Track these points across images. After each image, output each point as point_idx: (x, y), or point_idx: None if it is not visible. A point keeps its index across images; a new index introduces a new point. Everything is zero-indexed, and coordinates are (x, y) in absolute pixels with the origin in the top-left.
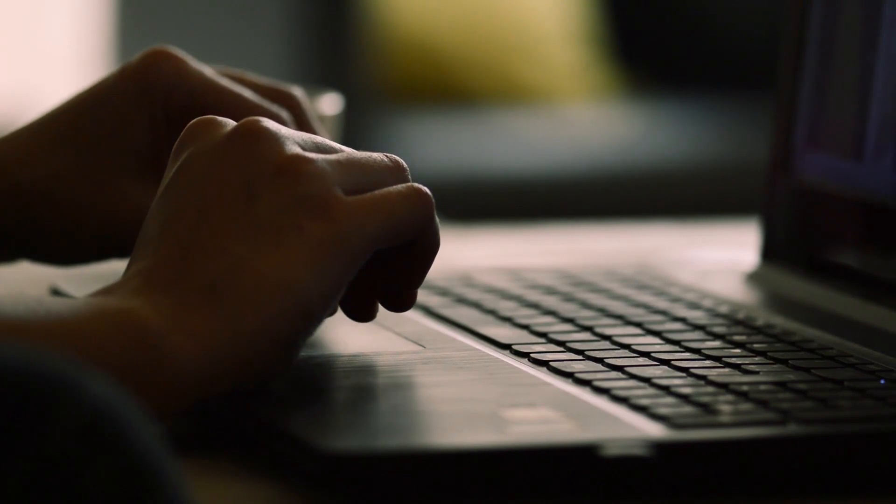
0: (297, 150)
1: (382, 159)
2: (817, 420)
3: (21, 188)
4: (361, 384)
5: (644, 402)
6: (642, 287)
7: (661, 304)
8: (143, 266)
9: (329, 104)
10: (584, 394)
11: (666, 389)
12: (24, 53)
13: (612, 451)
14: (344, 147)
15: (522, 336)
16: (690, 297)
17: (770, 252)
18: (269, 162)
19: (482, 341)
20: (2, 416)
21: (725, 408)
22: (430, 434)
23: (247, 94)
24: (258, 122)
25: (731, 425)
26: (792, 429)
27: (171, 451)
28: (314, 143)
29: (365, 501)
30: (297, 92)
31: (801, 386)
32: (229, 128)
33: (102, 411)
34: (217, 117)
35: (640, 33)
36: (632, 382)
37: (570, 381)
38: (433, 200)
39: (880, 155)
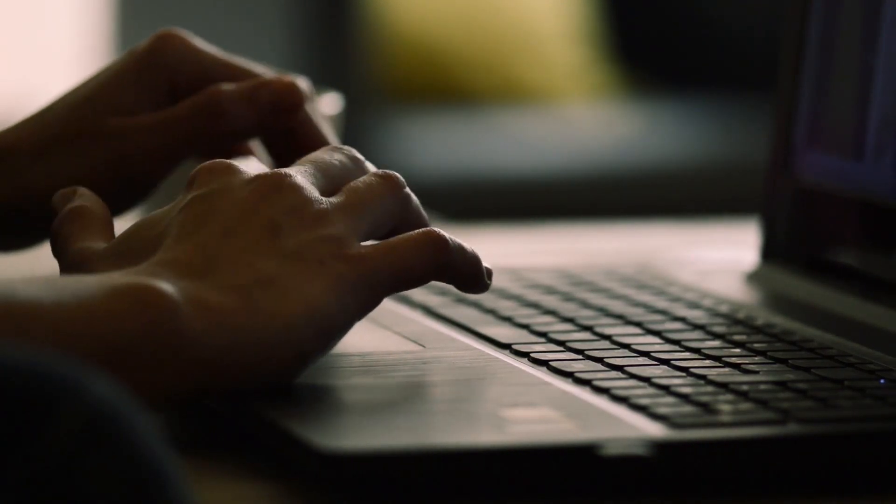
0: (319, 205)
1: (382, 187)
2: (817, 420)
3: (17, 160)
4: (361, 384)
5: (644, 401)
6: (642, 287)
7: (661, 303)
8: (163, 258)
9: (329, 104)
10: (584, 393)
11: (666, 389)
12: (24, 53)
13: (612, 450)
14: (344, 151)
15: (522, 336)
16: (690, 296)
17: (770, 252)
18: (295, 214)
19: (482, 341)
20: (3, 416)
21: (725, 407)
22: (430, 434)
23: (257, 67)
24: (280, 175)
25: (731, 425)
26: (792, 428)
27: (172, 451)
28: (324, 174)
29: (365, 501)
30: (303, 84)
31: (801, 385)
32: (246, 175)
33: (103, 411)
34: (234, 163)
35: (640, 33)
36: (632, 382)
37: (569, 380)
38: (448, 242)
39: (880, 155)
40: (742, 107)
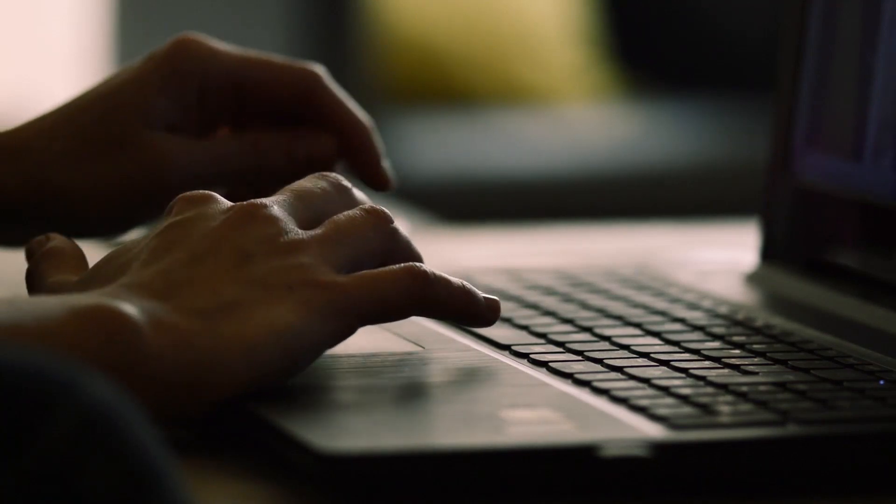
0: (293, 235)
1: (365, 221)
2: (817, 420)
3: (44, 158)
4: (361, 384)
5: (643, 402)
6: (642, 287)
7: (661, 304)
8: (127, 281)
9: None
10: (584, 394)
11: (665, 390)
12: (24, 53)
13: (612, 451)
14: (329, 178)
15: (522, 336)
16: (690, 297)
17: (769, 252)
18: (267, 243)
19: (482, 342)
20: (0, 416)
21: (725, 408)
22: (430, 434)
23: (276, 59)
24: (256, 206)
25: (731, 426)
26: (791, 429)
27: (170, 451)
28: (305, 204)
29: (365, 501)
30: (319, 69)
31: (801, 386)
32: (224, 205)
33: (100, 411)
34: (213, 194)
35: (640, 34)
36: (631, 383)
37: (569, 381)
38: (430, 277)
39: (880, 155)
40: (742, 107)
